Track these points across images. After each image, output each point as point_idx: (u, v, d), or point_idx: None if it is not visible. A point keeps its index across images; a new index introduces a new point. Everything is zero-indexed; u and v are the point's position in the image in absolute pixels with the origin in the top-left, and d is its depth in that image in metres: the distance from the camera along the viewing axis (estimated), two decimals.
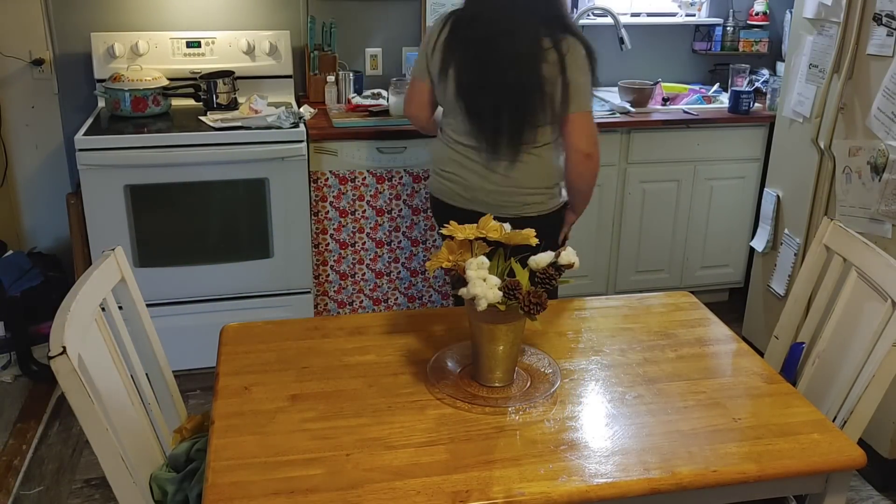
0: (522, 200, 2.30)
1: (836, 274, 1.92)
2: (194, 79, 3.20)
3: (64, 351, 1.32)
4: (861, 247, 1.83)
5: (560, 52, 2.16)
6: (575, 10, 3.74)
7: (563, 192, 2.38)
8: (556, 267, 1.56)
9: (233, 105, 3.18)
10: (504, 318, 1.54)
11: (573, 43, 2.19)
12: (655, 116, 3.37)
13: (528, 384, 1.65)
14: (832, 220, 1.95)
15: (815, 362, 1.88)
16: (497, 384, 1.63)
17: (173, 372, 1.88)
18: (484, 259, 1.53)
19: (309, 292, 3.16)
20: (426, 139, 3.09)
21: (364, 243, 3.19)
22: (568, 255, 1.56)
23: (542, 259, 1.57)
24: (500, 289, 1.49)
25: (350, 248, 3.19)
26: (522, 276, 1.56)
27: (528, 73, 2.17)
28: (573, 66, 2.18)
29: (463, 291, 1.51)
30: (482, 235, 1.58)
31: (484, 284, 1.49)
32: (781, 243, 3.09)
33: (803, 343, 2.00)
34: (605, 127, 3.29)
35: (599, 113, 3.36)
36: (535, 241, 1.58)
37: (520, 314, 1.53)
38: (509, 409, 1.57)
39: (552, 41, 2.17)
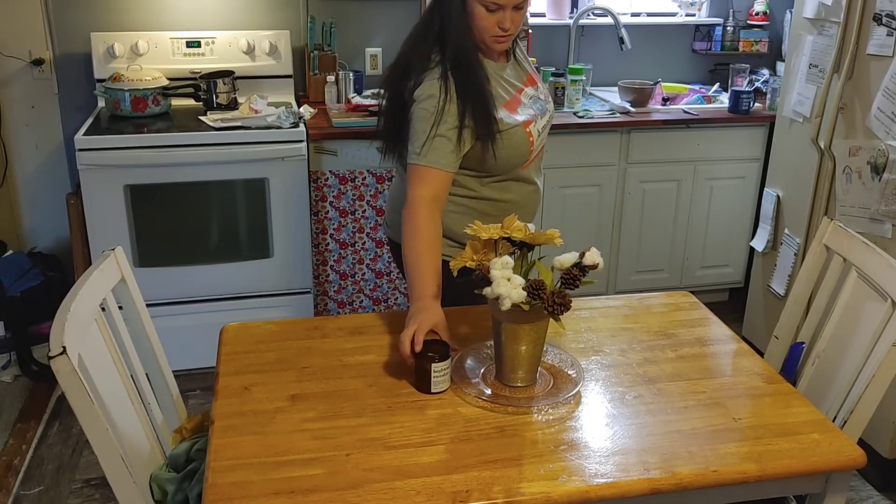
0: None
1: (836, 274, 1.92)
2: (194, 79, 3.20)
3: (64, 351, 1.32)
4: (861, 247, 1.83)
5: None
6: (575, 9, 3.74)
7: None
8: (580, 267, 1.56)
9: (233, 105, 3.18)
10: (527, 317, 1.54)
11: None
12: (655, 116, 3.37)
13: (552, 384, 1.65)
14: (832, 219, 1.95)
15: (814, 362, 1.88)
16: (520, 384, 1.63)
17: (173, 372, 1.88)
18: (508, 259, 1.54)
19: (309, 292, 3.16)
20: None
21: (364, 243, 3.19)
22: (592, 255, 1.57)
23: (566, 260, 1.57)
24: (524, 288, 1.49)
25: (350, 248, 3.19)
26: (546, 276, 1.57)
27: None
28: None
29: (487, 291, 1.51)
30: (506, 235, 1.58)
31: (508, 284, 1.49)
32: (781, 243, 3.09)
33: (803, 343, 2.00)
34: (605, 127, 3.29)
35: (599, 113, 3.36)
36: (559, 242, 1.59)
37: (543, 314, 1.53)
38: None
39: None
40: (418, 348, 1.58)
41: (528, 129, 1.91)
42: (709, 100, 3.59)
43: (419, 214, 1.80)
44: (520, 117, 1.91)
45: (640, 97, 3.44)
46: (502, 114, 1.88)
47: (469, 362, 1.71)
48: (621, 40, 3.60)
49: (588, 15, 3.70)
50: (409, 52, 1.89)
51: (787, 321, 2.02)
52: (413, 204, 1.81)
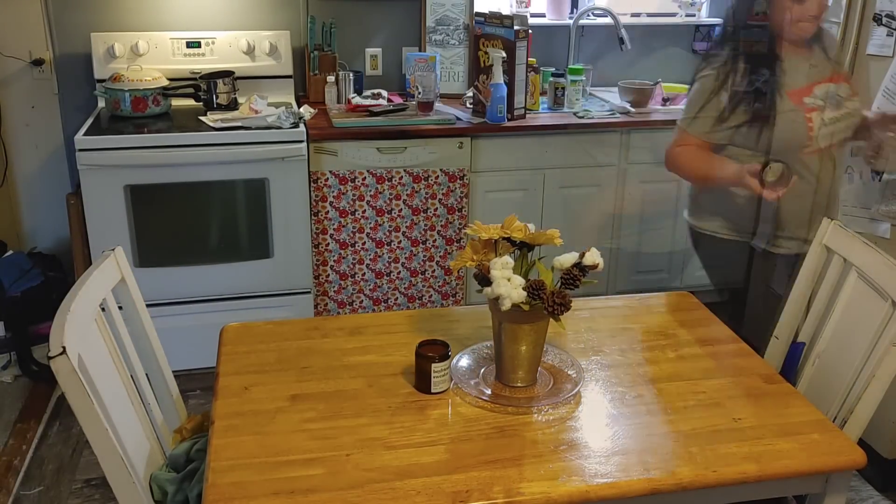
0: None
1: (836, 274, 1.92)
2: (194, 79, 3.20)
3: (64, 351, 1.32)
4: (861, 247, 1.83)
5: None
6: (575, 9, 3.74)
7: None
8: (580, 267, 1.56)
9: (233, 105, 3.18)
10: (527, 317, 1.54)
11: None
12: (655, 116, 3.37)
13: (552, 384, 1.65)
14: (832, 219, 1.95)
15: (815, 362, 1.88)
16: (520, 384, 1.63)
17: (173, 372, 1.88)
18: (508, 259, 1.54)
19: (309, 292, 3.16)
20: (426, 139, 3.09)
21: (364, 243, 3.19)
22: (592, 255, 1.57)
23: (566, 260, 1.58)
24: (524, 289, 1.49)
25: (350, 248, 3.19)
26: (546, 276, 1.57)
27: None
28: None
29: (487, 291, 1.51)
30: (506, 235, 1.58)
31: (508, 284, 1.49)
32: None
33: (803, 343, 2.00)
34: (605, 127, 3.29)
35: (599, 113, 3.36)
36: (559, 242, 1.59)
37: (543, 314, 1.53)
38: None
39: None
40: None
41: (808, 115, 2.11)
42: None
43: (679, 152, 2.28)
44: (802, 104, 2.13)
45: (640, 97, 3.44)
46: (784, 99, 2.14)
47: (469, 362, 1.71)
48: (621, 40, 3.60)
49: (588, 15, 3.70)
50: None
51: (787, 321, 2.02)
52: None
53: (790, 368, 1.99)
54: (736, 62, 2.17)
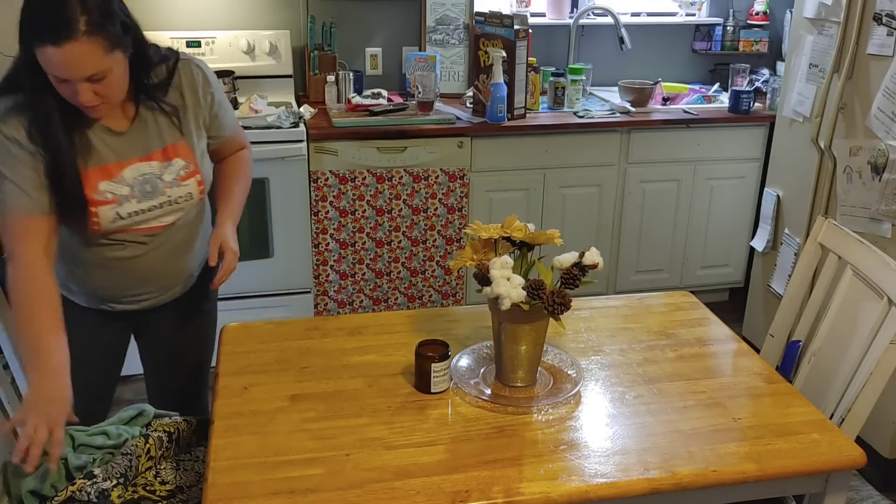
0: None
1: (832, 272, 1.92)
2: None
3: None
4: (856, 245, 1.83)
5: None
6: (575, 9, 3.74)
7: None
8: (580, 267, 1.57)
9: (233, 105, 3.17)
10: (527, 317, 1.54)
11: None
12: (655, 116, 3.37)
13: (551, 384, 1.65)
14: (826, 217, 1.95)
15: (811, 360, 1.88)
16: (520, 384, 1.63)
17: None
18: (508, 258, 1.54)
19: (309, 292, 3.16)
20: (426, 139, 3.09)
21: (364, 243, 3.19)
22: (592, 255, 1.57)
23: (566, 259, 1.58)
24: (524, 288, 1.50)
25: (350, 248, 3.19)
26: (546, 276, 1.57)
27: None
28: None
29: (487, 291, 1.51)
30: (506, 235, 1.58)
31: (508, 284, 1.49)
32: (781, 243, 3.09)
33: (800, 341, 2.00)
34: (605, 127, 3.29)
35: (599, 113, 3.36)
36: (559, 242, 1.59)
37: (543, 314, 1.53)
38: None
39: None
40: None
41: (94, 209, 1.58)
42: (709, 100, 3.59)
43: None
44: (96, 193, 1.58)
45: (640, 97, 3.44)
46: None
47: (469, 362, 1.71)
48: (621, 40, 3.61)
49: (588, 15, 3.70)
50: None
51: (783, 319, 2.02)
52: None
53: (787, 366, 1.99)
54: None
